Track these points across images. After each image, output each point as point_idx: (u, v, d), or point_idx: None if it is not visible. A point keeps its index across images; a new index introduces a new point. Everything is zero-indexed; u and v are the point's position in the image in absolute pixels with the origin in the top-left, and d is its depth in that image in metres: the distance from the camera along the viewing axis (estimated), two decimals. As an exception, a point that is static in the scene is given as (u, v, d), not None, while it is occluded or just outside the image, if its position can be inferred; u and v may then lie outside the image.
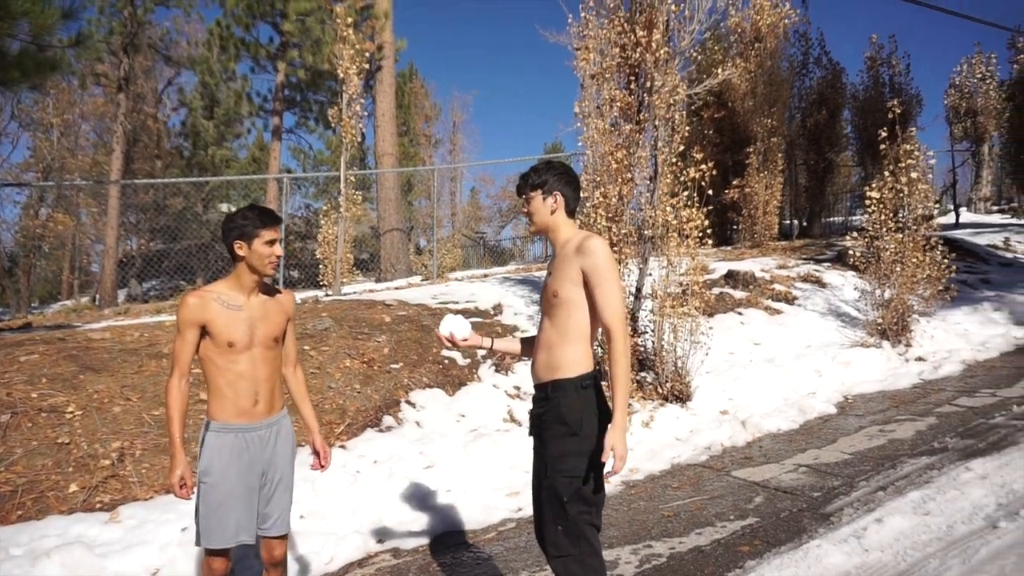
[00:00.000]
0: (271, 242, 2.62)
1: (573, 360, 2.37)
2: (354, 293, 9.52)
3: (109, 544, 3.68)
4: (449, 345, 2.68)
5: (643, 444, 5.42)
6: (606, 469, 2.25)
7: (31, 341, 5.83)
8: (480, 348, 2.77)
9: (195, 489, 2.63)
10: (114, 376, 5.27)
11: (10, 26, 6.73)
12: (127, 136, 17.36)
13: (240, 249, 2.60)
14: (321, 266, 10.21)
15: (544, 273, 2.60)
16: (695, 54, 7.14)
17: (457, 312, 7.46)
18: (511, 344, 2.82)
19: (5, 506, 3.92)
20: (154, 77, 21.71)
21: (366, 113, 10.69)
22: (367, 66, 10.47)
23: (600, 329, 2.41)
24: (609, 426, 2.25)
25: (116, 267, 15.84)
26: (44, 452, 4.35)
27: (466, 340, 2.67)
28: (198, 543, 2.63)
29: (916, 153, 8.18)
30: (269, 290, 2.78)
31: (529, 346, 2.67)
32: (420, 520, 4.14)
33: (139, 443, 4.61)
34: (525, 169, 2.61)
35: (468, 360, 6.46)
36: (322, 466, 2.95)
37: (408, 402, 5.69)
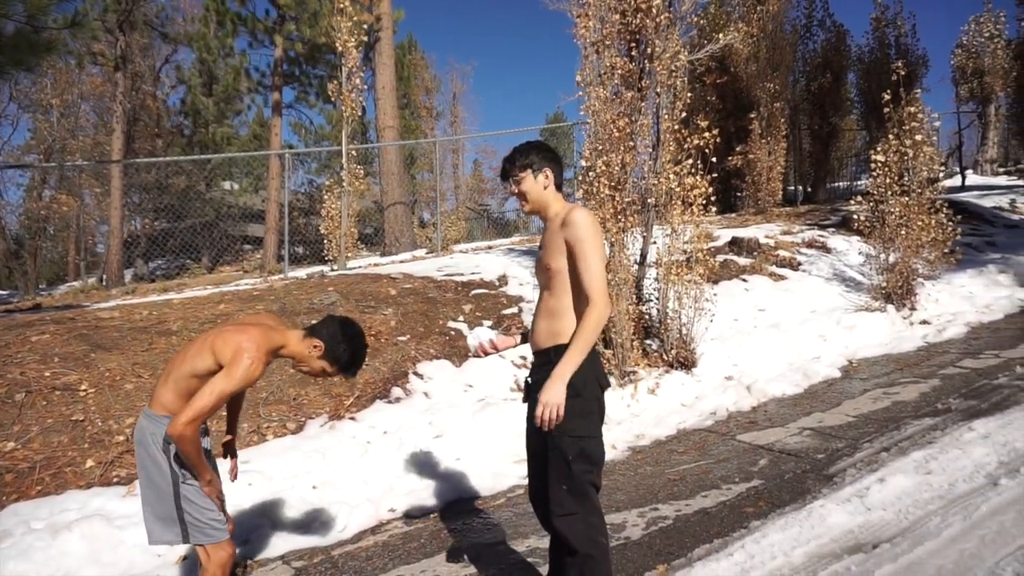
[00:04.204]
0: (328, 375, 2.66)
1: (575, 326, 2.41)
2: (359, 267, 9.56)
3: (128, 517, 3.76)
4: (483, 354, 2.82)
5: (649, 411, 5.48)
6: (537, 412, 2.29)
7: (41, 322, 5.89)
8: (514, 347, 2.90)
9: (180, 499, 2.52)
10: (124, 354, 5.34)
11: (4, 7, 6.68)
12: (127, 115, 17.28)
13: (315, 348, 2.59)
14: (326, 241, 10.24)
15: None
16: (697, 18, 7.06)
17: (462, 284, 7.51)
18: None
19: (24, 482, 4.01)
20: (151, 55, 21.49)
21: (366, 86, 10.64)
22: (365, 38, 10.38)
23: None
24: (549, 378, 2.31)
25: (121, 247, 15.89)
26: (60, 429, 4.43)
27: (495, 346, 2.81)
28: (215, 540, 2.57)
29: (920, 115, 8.11)
30: None
31: None
32: (430, 488, 4.22)
33: (152, 419, 4.68)
34: (524, 142, 2.65)
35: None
36: None
37: (416, 373, 5.75)
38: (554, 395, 2.27)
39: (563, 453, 2.36)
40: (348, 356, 2.63)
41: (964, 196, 14.86)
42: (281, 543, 3.65)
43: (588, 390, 2.38)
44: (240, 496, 3.91)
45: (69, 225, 23.74)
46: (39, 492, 3.98)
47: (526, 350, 6.25)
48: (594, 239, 2.37)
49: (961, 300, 8.46)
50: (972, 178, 19.93)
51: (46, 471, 4.12)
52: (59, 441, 4.34)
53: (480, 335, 2.82)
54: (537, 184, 2.55)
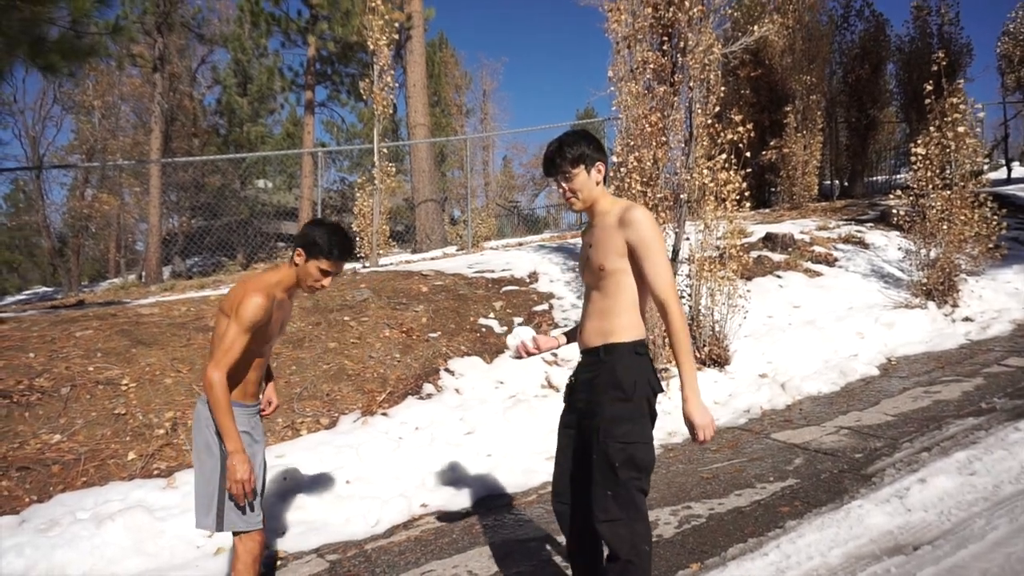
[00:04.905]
0: (326, 272, 2.65)
1: (627, 326, 2.35)
2: (391, 264, 9.63)
3: (168, 508, 3.86)
4: (525, 355, 2.74)
5: (681, 408, 5.42)
6: (699, 436, 2.26)
7: (85, 318, 6.06)
8: (556, 349, 2.82)
9: (224, 480, 2.56)
10: (164, 349, 5.46)
11: (49, 10, 6.87)
12: (165, 116, 17.65)
13: (299, 257, 2.64)
14: (358, 238, 10.34)
15: (578, 241, 2.60)
16: (730, 11, 6.96)
17: (493, 281, 7.52)
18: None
19: (70, 473, 4.13)
20: (188, 56, 21.91)
21: (397, 84, 10.68)
22: (397, 36, 10.45)
23: (649, 298, 2.38)
24: (683, 400, 2.27)
25: (160, 245, 16.26)
26: (103, 422, 4.55)
27: (538, 347, 2.73)
28: (250, 526, 2.61)
29: (963, 106, 7.88)
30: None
31: None
32: (462, 484, 4.24)
33: (190, 413, 4.78)
34: (567, 131, 2.49)
35: (504, 328, 6.51)
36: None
37: (447, 370, 5.78)
38: (703, 415, 2.25)
39: (609, 459, 2.27)
40: (325, 238, 2.61)
41: (1010, 189, 14.40)
42: (315, 536, 3.71)
43: (637, 392, 2.30)
44: (274, 489, 3.98)
45: (110, 223, 24.35)
46: (84, 483, 4.10)
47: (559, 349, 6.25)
48: (658, 238, 2.28)
49: (1006, 296, 8.21)
50: (1019, 170, 19.32)
51: (90, 463, 4.24)
52: (102, 434, 4.46)
53: (522, 334, 2.77)
54: (591, 180, 2.38)
